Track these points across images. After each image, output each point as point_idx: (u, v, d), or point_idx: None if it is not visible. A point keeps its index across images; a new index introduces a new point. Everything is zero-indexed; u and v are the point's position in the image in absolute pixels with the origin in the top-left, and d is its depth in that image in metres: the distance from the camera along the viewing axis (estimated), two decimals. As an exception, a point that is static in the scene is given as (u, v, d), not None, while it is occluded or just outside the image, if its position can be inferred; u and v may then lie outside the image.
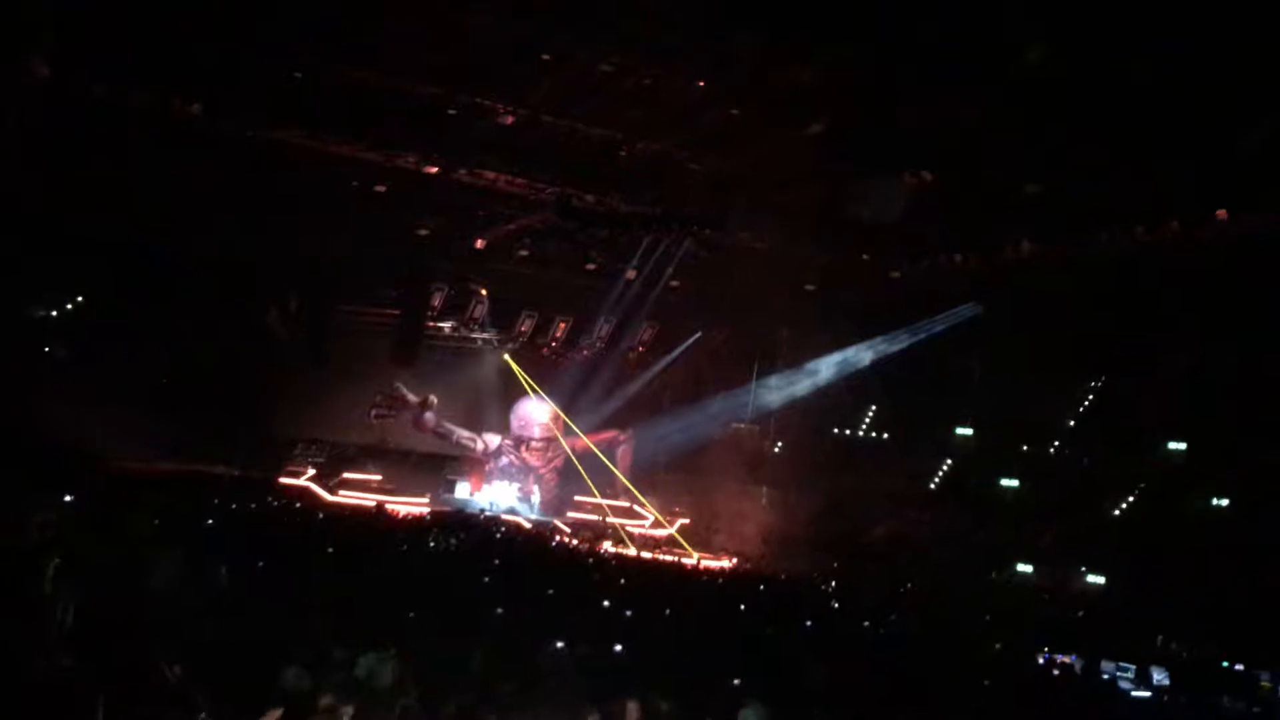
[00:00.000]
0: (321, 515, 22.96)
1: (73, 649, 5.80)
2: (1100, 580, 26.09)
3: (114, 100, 23.51)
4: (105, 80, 23.14)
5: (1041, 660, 16.66)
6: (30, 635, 5.54)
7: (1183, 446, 27.67)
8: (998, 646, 16.83)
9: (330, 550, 16.39)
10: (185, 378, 28.59)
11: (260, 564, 13.34)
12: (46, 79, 22.47)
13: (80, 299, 28.53)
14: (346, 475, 30.00)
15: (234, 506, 20.99)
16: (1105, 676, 16.00)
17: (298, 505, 23.96)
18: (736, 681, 10.52)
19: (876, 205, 24.60)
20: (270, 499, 24.28)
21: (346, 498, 28.13)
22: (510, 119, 24.52)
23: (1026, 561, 27.88)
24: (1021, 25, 17.70)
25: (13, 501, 9.45)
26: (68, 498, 14.05)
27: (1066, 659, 16.56)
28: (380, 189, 27.75)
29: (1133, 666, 16.13)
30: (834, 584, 23.94)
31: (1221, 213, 23.70)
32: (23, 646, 5.33)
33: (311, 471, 30.06)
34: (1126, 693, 15.41)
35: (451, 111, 24.18)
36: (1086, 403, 30.95)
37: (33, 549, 7.58)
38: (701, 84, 22.49)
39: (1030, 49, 18.29)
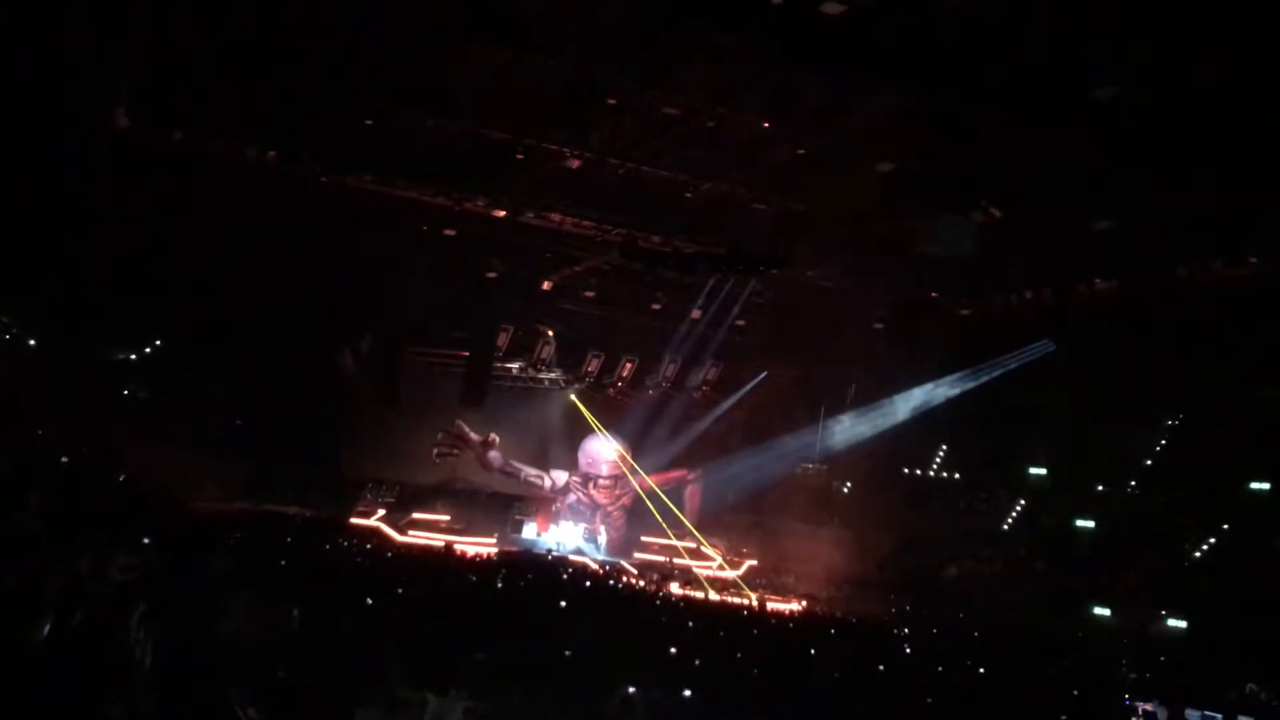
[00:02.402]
0: (391, 555, 23.12)
1: (152, 692, 5.88)
2: (1182, 624, 25.37)
3: (192, 147, 24.23)
4: (183, 128, 23.83)
5: (1122, 708, 16.23)
6: (111, 678, 5.62)
7: (1266, 486, 26.92)
8: (1075, 693, 16.42)
9: (400, 591, 16.47)
10: (259, 419, 29.10)
11: (331, 605, 13.42)
12: (126, 127, 23.22)
13: (158, 342, 29.22)
14: (416, 515, 30.17)
15: (306, 547, 21.19)
16: (1190, 726, 15.53)
17: (368, 546, 24.12)
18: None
19: (946, 242, 24.37)
20: (341, 539, 24.47)
21: (416, 538, 28.27)
22: (577, 162, 24.79)
23: (1104, 604, 27.21)
24: (1092, 60, 17.50)
25: (95, 542, 9.62)
26: (146, 540, 14.26)
27: (1148, 706, 16.10)
28: (450, 232, 28.19)
29: (1219, 716, 15.64)
30: (906, 627, 23.55)
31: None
32: (104, 690, 5.41)
33: (382, 512, 30.29)
34: (1212, 743, 14.94)
35: (519, 155, 24.47)
36: (1164, 441, 30.22)
37: (116, 590, 7.70)
38: (766, 124, 22.53)
39: (1103, 84, 18.05)
